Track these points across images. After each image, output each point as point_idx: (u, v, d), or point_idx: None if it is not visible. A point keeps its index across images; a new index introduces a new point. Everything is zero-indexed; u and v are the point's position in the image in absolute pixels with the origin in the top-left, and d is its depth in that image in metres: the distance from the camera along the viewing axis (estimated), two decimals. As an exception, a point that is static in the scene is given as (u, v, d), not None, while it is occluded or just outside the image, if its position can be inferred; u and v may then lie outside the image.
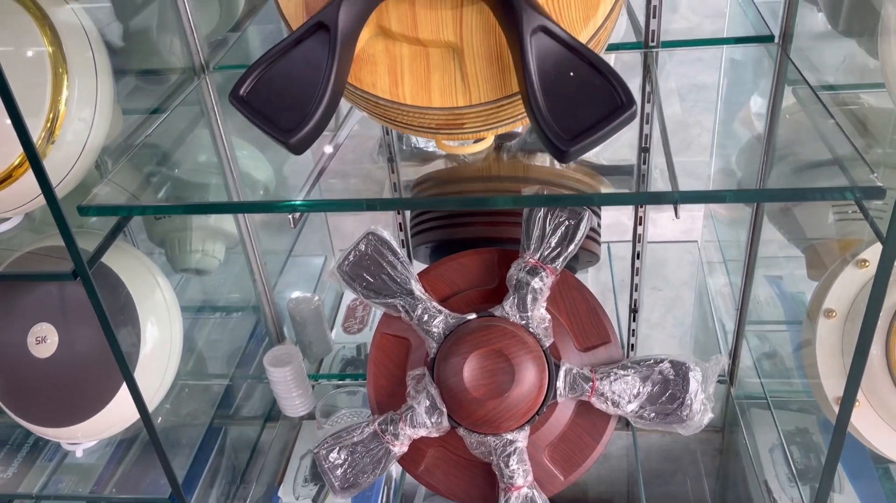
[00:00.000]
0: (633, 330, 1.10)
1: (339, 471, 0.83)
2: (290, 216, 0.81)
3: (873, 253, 0.78)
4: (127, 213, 0.83)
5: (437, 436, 0.83)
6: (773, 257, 1.09)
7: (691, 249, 1.41)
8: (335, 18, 0.56)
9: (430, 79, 0.61)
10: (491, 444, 0.81)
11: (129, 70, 0.99)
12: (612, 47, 0.91)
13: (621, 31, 0.93)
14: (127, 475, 1.07)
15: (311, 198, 0.75)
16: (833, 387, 0.80)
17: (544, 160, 0.96)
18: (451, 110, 0.61)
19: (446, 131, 0.66)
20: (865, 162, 0.64)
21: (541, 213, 0.80)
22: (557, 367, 0.80)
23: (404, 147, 1.04)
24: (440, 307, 0.83)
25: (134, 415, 0.90)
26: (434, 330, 0.82)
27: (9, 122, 0.67)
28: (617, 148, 0.91)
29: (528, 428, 0.81)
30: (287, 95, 0.56)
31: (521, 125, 0.69)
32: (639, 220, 0.99)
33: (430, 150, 1.03)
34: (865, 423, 0.80)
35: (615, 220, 1.33)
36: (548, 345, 0.81)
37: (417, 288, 0.83)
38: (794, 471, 0.96)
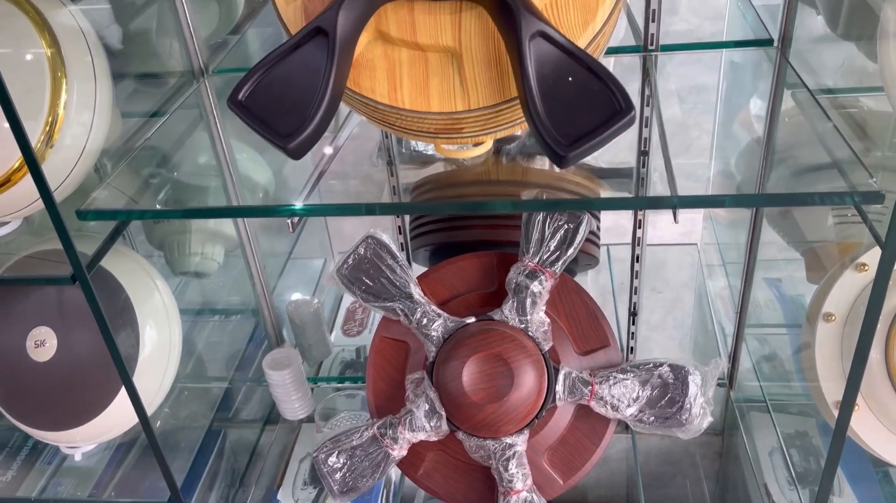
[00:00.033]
0: (633, 332, 1.10)
1: (338, 475, 0.83)
2: (288, 220, 0.81)
3: (872, 257, 0.78)
4: (126, 217, 0.82)
5: (436, 439, 0.83)
6: (773, 260, 1.09)
7: (691, 252, 1.41)
8: (334, 23, 0.56)
9: (428, 83, 0.61)
10: (490, 448, 0.81)
11: (128, 73, 0.99)
12: (612, 51, 0.91)
13: (620, 33, 0.93)
14: (126, 478, 1.07)
15: (311, 201, 0.75)
16: (832, 390, 0.80)
17: (543, 163, 0.96)
18: (450, 115, 0.61)
19: (445, 136, 0.66)
20: (864, 166, 0.64)
21: (540, 217, 0.80)
22: (556, 371, 0.80)
23: (404, 150, 1.04)
24: (439, 311, 0.83)
25: (133, 418, 0.90)
26: (433, 333, 0.82)
27: (7, 125, 0.67)
28: (616, 151, 0.91)
29: (527, 431, 0.81)
30: (286, 100, 0.56)
31: (520, 129, 0.69)
32: (638, 223, 0.99)
33: (430, 153, 1.03)
34: (865, 427, 0.81)
35: (614, 223, 1.33)
36: (547, 348, 0.81)
37: (416, 291, 0.83)
38: (794, 475, 0.96)
